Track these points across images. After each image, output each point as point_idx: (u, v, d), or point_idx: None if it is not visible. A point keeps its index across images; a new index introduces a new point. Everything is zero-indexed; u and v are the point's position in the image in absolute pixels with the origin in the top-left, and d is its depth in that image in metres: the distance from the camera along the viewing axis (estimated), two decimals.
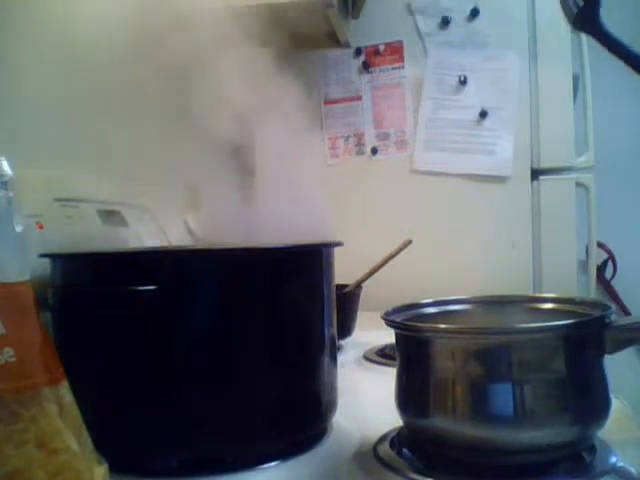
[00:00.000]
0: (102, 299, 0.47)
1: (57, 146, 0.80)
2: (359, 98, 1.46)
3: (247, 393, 0.50)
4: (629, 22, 2.09)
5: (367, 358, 0.90)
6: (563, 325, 0.48)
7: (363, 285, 1.03)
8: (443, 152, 1.42)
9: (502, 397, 0.45)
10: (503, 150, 1.39)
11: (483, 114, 1.39)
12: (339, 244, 0.58)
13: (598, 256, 1.88)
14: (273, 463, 0.51)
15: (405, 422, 0.52)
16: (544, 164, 1.40)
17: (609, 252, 2.12)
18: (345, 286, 1.01)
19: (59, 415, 0.34)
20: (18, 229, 0.36)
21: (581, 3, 0.58)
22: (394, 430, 0.55)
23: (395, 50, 1.43)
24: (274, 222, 0.74)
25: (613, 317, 0.48)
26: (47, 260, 0.53)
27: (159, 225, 0.97)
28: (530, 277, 1.39)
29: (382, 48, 1.44)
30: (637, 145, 2.12)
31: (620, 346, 0.47)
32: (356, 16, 1.41)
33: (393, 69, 1.44)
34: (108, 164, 0.87)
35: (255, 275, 0.51)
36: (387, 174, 1.43)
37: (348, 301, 0.99)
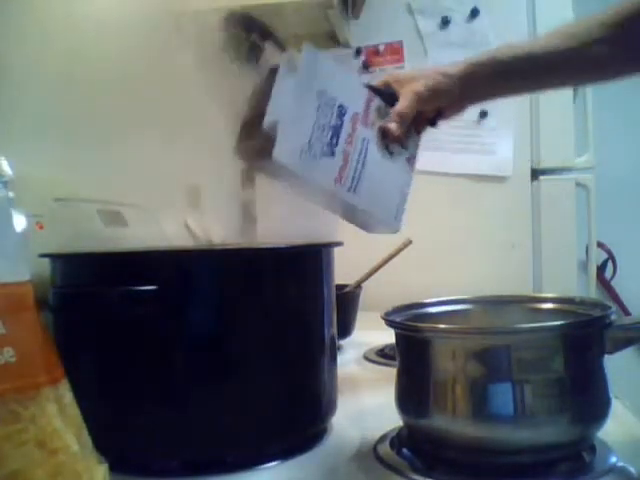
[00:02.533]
0: (102, 299, 0.47)
1: (57, 146, 0.80)
2: None
3: (247, 393, 0.50)
4: None
5: (367, 358, 0.90)
6: (563, 325, 0.48)
7: (363, 285, 1.03)
8: (443, 152, 1.42)
9: (502, 397, 0.45)
10: (503, 150, 1.40)
11: (483, 114, 1.39)
12: (339, 244, 0.58)
13: (598, 256, 1.88)
14: (273, 463, 0.51)
15: (405, 422, 0.52)
16: (544, 164, 1.40)
17: (609, 252, 2.12)
18: (345, 286, 1.01)
19: (59, 415, 0.34)
20: (18, 229, 0.36)
21: None
22: (394, 430, 0.55)
23: (395, 50, 1.43)
24: (274, 222, 0.74)
25: (613, 317, 0.48)
26: (47, 260, 0.53)
27: (159, 225, 0.97)
28: (530, 277, 1.39)
29: (382, 48, 1.44)
30: (637, 145, 2.12)
31: (620, 346, 0.47)
32: (356, 16, 1.41)
33: (393, 69, 1.44)
34: (108, 164, 0.87)
35: (255, 275, 0.51)
36: None
37: (348, 301, 0.99)
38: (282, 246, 0.54)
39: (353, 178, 0.68)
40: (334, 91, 0.67)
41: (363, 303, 1.02)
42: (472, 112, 1.39)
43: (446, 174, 1.41)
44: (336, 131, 0.67)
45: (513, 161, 1.39)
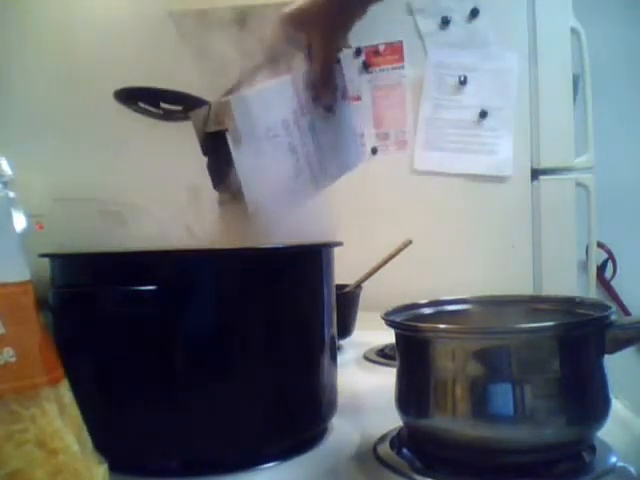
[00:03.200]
0: (102, 299, 0.47)
1: (57, 146, 0.80)
2: (359, 98, 1.46)
3: (247, 393, 0.50)
4: (627, 23, 2.09)
5: (367, 358, 0.90)
6: (563, 325, 0.48)
7: (363, 285, 1.03)
8: (443, 152, 1.42)
9: (502, 397, 0.45)
10: (503, 150, 1.40)
11: (483, 114, 1.39)
12: (339, 244, 0.58)
13: (598, 256, 1.88)
14: (273, 463, 0.51)
15: (405, 422, 0.52)
16: (544, 164, 1.40)
17: (609, 252, 2.12)
18: (345, 286, 1.01)
19: (59, 415, 0.34)
20: (18, 229, 0.36)
21: None
22: (394, 430, 0.55)
23: (395, 50, 1.43)
24: (274, 222, 0.74)
25: (613, 317, 0.48)
26: (47, 260, 0.53)
27: (159, 225, 0.97)
28: (530, 277, 1.39)
29: (382, 48, 1.44)
30: (637, 145, 2.12)
31: (620, 346, 0.47)
32: None
33: (393, 69, 1.44)
34: (108, 164, 0.87)
35: (255, 275, 0.51)
36: (387, 174, 1.43)
37: (348, 301, 0.99)
38: (282, 246, 0.54)
39: (320, 169, 0.70)
40: (273, 114, 0.68)
41: (363, 303, 1.02)
42: (472, 112, 1.40)
43: (446, 174, 1.41)
44: (292, 146, 0.68)
45: (513, 161, 1.39)
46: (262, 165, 0.66)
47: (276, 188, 0.66)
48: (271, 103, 0.68)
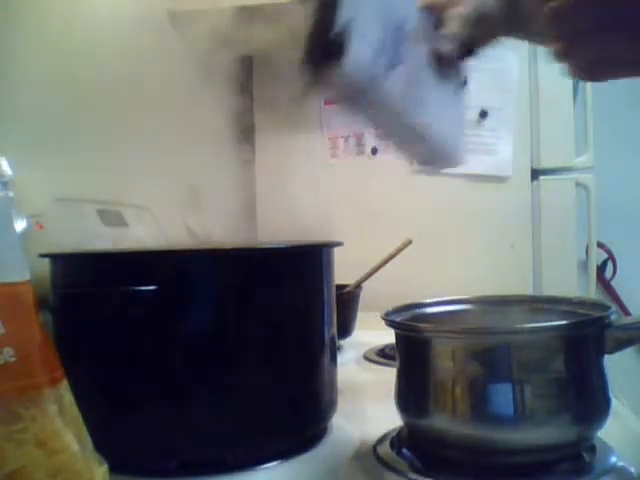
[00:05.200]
0: (102, 299, 0.47)
1: (57, 146, 0.80)
2: None
3: (247, 393, 0.50)
4: None
5: (367, 358, 0.90)
6: (563, 325, 0.48)
7: (363, 285, 1.03)
8: None
9: (502, 397, 0.45)
10: (503, 150, 1.40)
11: (483, 114, 1.39)
12: (339, 244, 0.58)
13: (598, 256, 1.88)
14: (273, 463, 0.51)
15: (405, 422, 0.52)
16: (544, 164, 1.40)
17: (609, 252, 2.12)
18: (345, 286, 1.01)
19: (59, 415, 0.34)
20: (18, 229, 0.36)
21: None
22: (394, 430, 0.55)
23: None
24: (274, 222, 0.74)
25: (613, 317, 0.48)
26: (47, 260, 0.53)
27: (159, 225, 0.97)
28: (530, 277, 1.39)
29: None
30: (637, 145, 2.12)
31: (620, 346, 0.47)
32: None
33: None
34: (108, 164, 0.87)
35: (255, 275, 0.51)
36: (387, 174, 1.43)
37: (348, 301, 0.99)
38: (282, 246, 0.54)
39: (417, 99, 0.61)
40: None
41: (363, 303, 1.02)
42: (472, 112, 1.39)
43: (446, 174, 1.41)
44: (398, 41, 0.58)
45: (513, 161, 1.39)
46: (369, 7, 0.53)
47: (368, 47, 0.56)
48: None
